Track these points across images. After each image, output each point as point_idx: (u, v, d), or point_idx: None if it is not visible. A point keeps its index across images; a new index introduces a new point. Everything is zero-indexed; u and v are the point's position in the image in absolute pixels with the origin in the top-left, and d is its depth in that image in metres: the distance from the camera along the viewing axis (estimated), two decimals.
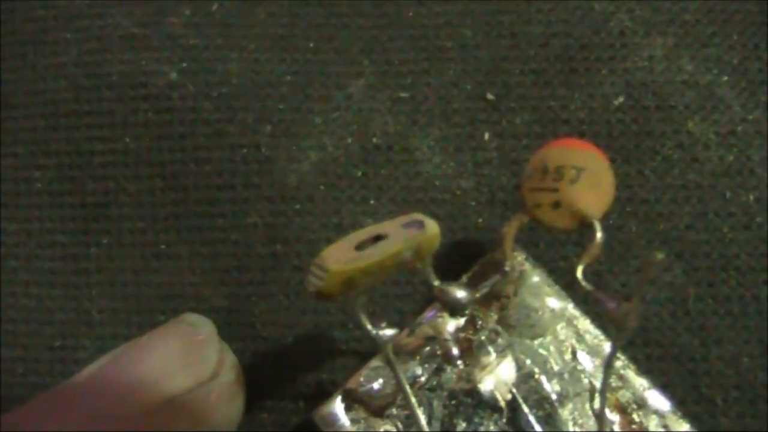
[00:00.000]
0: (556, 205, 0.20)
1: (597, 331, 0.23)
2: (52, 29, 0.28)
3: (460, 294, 0.21)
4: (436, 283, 0.21)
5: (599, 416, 0.21)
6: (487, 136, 0.26)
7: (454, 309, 0.21)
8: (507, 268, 0.22)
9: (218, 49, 0.27)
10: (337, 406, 0.22)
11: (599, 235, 0.20)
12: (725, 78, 0.26)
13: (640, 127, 0.26)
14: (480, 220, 0.26)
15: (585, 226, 0.20)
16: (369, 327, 0.20)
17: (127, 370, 0.21)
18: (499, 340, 0.23)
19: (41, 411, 0.20)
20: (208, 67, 0.27)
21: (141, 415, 0.20)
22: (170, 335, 0.22)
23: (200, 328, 0.22)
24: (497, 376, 0.22)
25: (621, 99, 0.26)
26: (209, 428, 0.21)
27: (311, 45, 0.27)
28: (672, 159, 0.25)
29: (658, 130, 0.26)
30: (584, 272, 0.20)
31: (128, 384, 0.20)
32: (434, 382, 0.23)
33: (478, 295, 0.21)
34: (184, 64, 0.27)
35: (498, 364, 0.23)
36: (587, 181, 0.20)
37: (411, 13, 0.28)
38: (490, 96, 0.26)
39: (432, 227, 0.20)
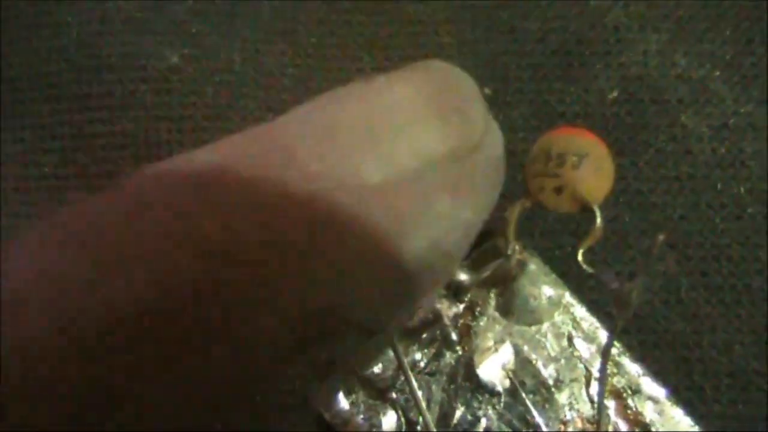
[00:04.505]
0: (559, 190, 0.20)
1: (593, 319, 0.23)
2: (53, 12, 0.28)
3: (463, 276, 0.21)
4: None
5: (599, 401, 0.21)
6: None
7: (457, 291, 0.21)
8: (509, 252, 0.22)
9: (221, 38, 0.27)
10: (337, 389, 0.22)
11: (599, 219, 0.20)
12: (718, 72, 0.26)
13: (635, 120, 0.26)
14: None
15: (586, 211, 0.20)
16: None
17: (340, 112, 0.14)
18: (498, 327, 0.23)
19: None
20: (210, 53, 0.27)
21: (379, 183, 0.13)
22: (416, 78, 0.15)
23: (460, 80, 0.15)
24: (495, 362, 0.23)
25: (616, 93, 0.26)
26: (463, 214, 0.15)
27: (313, 40, 0.28)
28: (665, 151, 0.26)
29: (652, 123, 0.26)
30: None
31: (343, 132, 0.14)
32: (433, 367, 0.23)
33: (480, 277, 0.22)
34: (186, 50, 0.27)
35: (496, 350, 0.23)
36: (589, 167, 0.20)
37: (411, 10, 0.28)
38: (487, 90, 0.27)
39: None
